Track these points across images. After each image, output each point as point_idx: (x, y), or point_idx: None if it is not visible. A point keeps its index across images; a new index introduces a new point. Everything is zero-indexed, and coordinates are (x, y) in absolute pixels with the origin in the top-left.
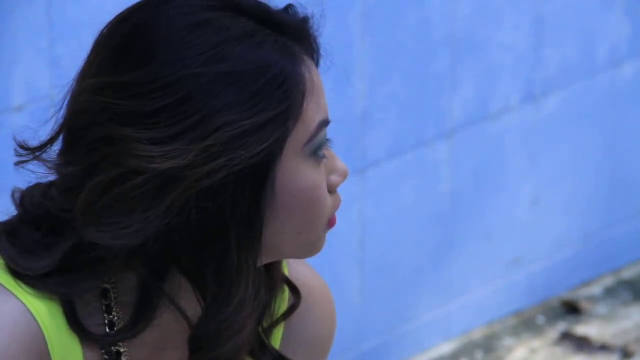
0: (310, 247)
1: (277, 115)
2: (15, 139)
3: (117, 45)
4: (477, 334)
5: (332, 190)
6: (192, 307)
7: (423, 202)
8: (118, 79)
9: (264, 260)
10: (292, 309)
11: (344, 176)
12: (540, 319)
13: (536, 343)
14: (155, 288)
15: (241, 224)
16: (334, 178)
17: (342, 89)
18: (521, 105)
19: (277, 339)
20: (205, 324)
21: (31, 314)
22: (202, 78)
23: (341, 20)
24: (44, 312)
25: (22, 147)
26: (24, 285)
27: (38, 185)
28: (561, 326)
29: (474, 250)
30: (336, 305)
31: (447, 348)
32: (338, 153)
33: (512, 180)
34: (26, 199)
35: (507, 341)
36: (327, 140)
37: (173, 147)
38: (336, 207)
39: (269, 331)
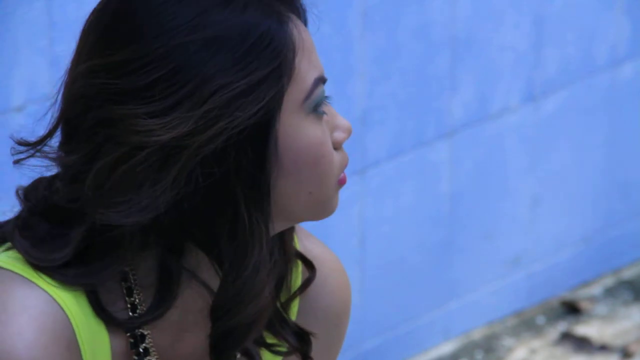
0: (322, 207)
1: (269, 73)
2: (12, 137)
3: (103, 28)
4: (477, 334)
5: (337, 146)
6: (213, 282)
7: (423, 202)
8: (109, 59)
9: (279, 226)
10: (308, 281)
11: (348, 132)
12: (540, 319)
13: (536, 343)
14: (175, 264)
15: (248, 186)
16: (338, 134)
17: (341, 89)
18: (521, 105)
19: (293, 314)
20: (224, 290)
21: (57, 303)
22: (190, 46)
23: (341, 20)
24: (70, 301)
25: (20, 143)
26: (44, 277)
27: (40, 180)
28: (561, 326)
29: (474, 250)
30: None
31: (447, 348)
32: None
33: (512, 180)
34: (31, 194)
35: (507, 341)
36: (326, 97)
37: (172, 117)
38: (344, 164)
39: (286, 305)
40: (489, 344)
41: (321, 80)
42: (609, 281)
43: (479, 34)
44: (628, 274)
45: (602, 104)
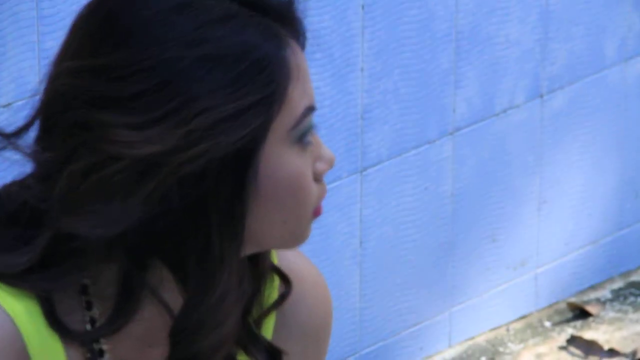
0: (294, 238)
1: (260, 99)
2: None
3: (95, 27)
4: (482, 339)
5: (317, 178)
6: (176, 301)
7: (425, 202)
8: (96, 62)
9: (249, 250)
10: (283, 297)
11: (330, 164)
12: (547, 323)
13: (543, 348)
14: (136, 279)
15: (224, 212)
16: (320, 165)
17: (341, 84)
18: (527, 102)
19: (268, 329)
20: (186, 314)
21: (7, 314)
22: (183, 61)
23: (341, 13)
24: (21, 312)
25: None
26: (2, 285)
27: (14, 182)
28: (568, 330)
29: (478, 252)
30: (336, 308)
31: (450, 354)
32: (337, 151)
33: (518, 180)
34: (2, 195)
35: (513, 346)
36: (313, 127)
37: (153, 132)
38: (322, 196)
39: (259, 321)
40: (494, 349)
41: (311, 109)
42: (617, 284)
43: (483, 28)
44: (637, 276)
45: (611, 101)
